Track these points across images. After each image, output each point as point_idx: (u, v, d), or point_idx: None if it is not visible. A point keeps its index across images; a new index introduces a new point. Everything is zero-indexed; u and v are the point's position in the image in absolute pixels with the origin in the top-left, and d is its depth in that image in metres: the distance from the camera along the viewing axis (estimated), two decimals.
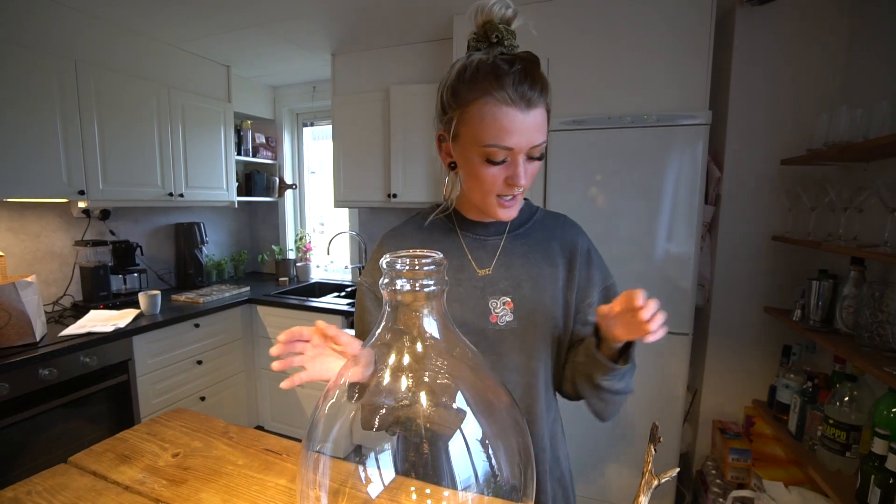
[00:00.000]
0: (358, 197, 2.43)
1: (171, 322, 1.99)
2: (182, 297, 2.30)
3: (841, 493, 1.18)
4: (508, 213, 0.71)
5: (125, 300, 2.15)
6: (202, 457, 0.75)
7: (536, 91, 0.62)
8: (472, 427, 0.48)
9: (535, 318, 0.73)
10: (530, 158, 0.66)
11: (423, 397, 0.49)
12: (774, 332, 1.75)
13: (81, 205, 1.97)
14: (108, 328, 1.75)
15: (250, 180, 2.98)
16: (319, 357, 0.62)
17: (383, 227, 2.67)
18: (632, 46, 1.64)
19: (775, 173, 1.70)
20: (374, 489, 0.52)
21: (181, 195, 2.28)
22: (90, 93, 1.87)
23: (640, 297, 0.53)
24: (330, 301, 2.41)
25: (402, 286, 0.46)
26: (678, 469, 0.56)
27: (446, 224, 0.80)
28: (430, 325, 0.48)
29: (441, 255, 0.47)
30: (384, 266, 0.47)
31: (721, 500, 1.64)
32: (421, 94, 2.18)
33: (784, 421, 1.55)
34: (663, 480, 0.54)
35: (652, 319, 0.54)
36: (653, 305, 0.54)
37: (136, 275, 2.27)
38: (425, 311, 0.48)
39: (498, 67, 0.62)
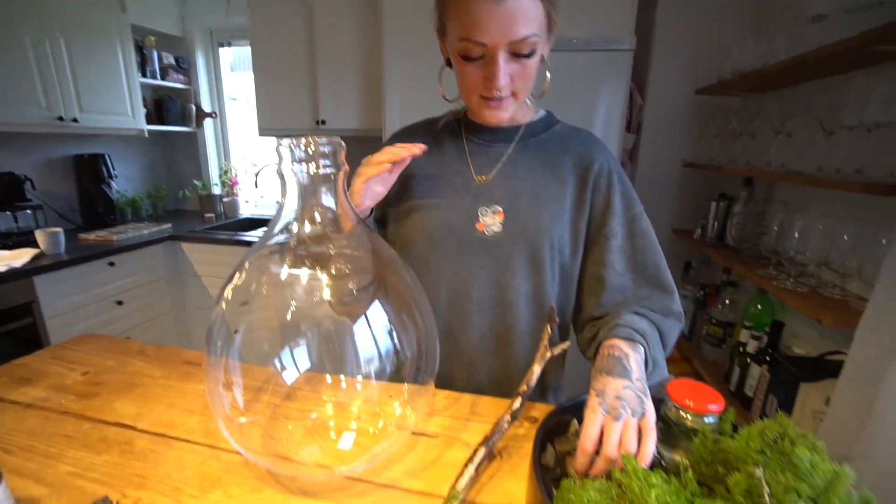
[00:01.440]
0: (284, 124, 2.27)
1: (81, 261, 1.83)
2: (92, 236, 2.11)
3: (714, 377, 1.41)
4: (496, 116, 0.65)
5: (19, 240, 1.93)
6: (116, 373, 0.73)
7: None
8: (372, 309, 0.51)
9: (527, 233, 0.67)
10: (516, 56, 0.58)
11: (323, 283, 0.51)
12: (680, 251, 1.95)
13: None
14: (1, 268, 1.59)
15: (162, 107, 2.67)
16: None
17: None
18: None
19: (691, 102, 1.81)
20: (290, 376, 0.54)
21: (75, 120, 2.00)
22: None
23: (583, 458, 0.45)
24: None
25: (300, 166, 0.46)
26: (569, 343, 0.64)
27: (455, 128, 0.75)
28: (329, 203, 0.49)
29: (339, 139, 0.47)
30: (281, 147, 0.46)
31: None
32: (349, 7, 2.00)
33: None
34: (556, 352, 0.61)
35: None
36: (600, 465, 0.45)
37: (29, 212, 2.02)
38: (323, 190, 0.48)
39: None
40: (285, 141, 0.46)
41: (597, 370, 0.53)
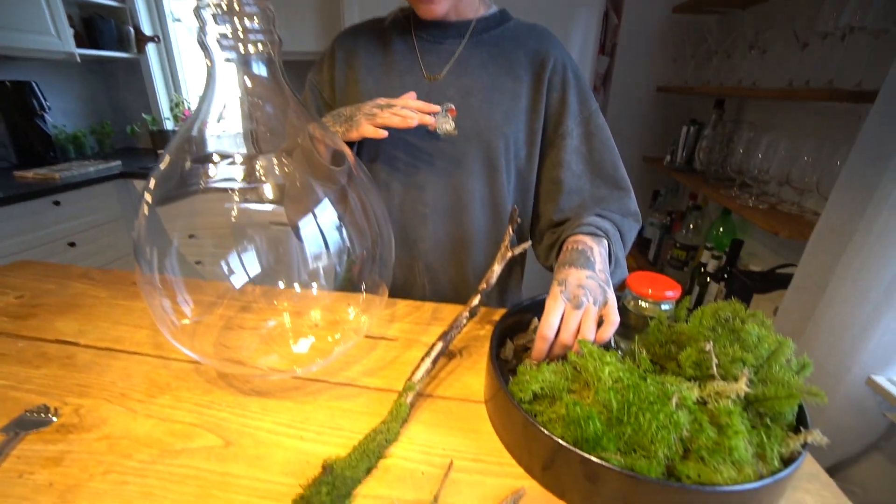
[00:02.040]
0: None
1: (19, 199, 1.69)
2: (30, 174, 1.93)
3: None
4: (430, 10, 0.61)
5: None
6: (55, 296, 0.69)
7: None
8: (321, 206, 0.47)
9: (481, 133, 0.65)
10: None
11: (266, 183, 0.47)
12: (650, 179, 1.96)
13: None
14: None
15: (92, 27, 2.37)
16: None
17: None
18: None
19: (668, 22, 1.73)
20: (239, 281, 0.51)
21: None
22: None
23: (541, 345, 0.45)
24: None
25: (224, 34, 0.40)
26: (529, 243, 0.63)
27: (404, 24, 0.70)
28: (260, 71, 0.43)
29: (267, 3, 0.41)
30: (198, 12, 0.39)
31: None
32: None
33: (646, 253, 1.83)
34: (517, 252, 0.60)
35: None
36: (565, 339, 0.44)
37: None
38: (256, 69, 0.43)
39: None
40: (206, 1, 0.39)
41: (560, 263, 0.53)
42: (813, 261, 0.93)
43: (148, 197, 0.44)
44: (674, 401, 0.36)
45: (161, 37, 2.63)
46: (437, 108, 0.62)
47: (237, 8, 0.39)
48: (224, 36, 0.40)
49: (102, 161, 2.23)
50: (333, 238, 0.48)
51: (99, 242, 2.06)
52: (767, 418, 0.38)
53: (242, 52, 0.41)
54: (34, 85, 2.12)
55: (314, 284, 0.58)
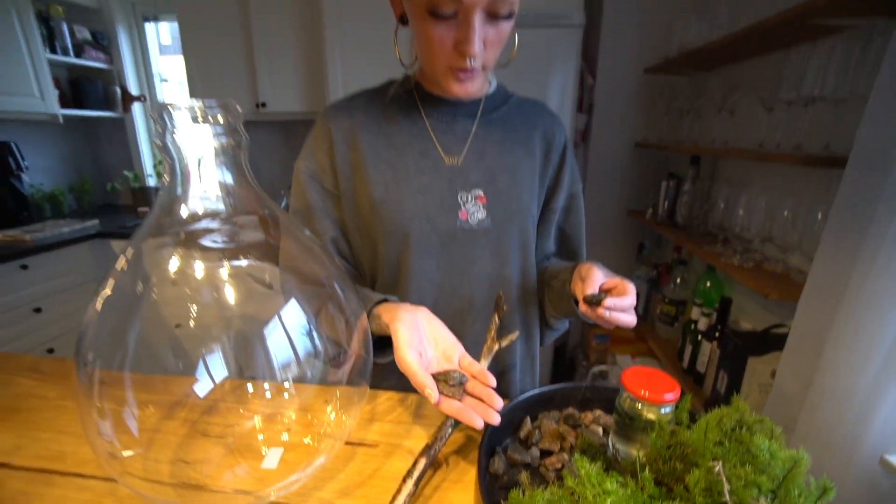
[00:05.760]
0: None
1: None
2: None
3: (668, 355, 1.43)
4: (464, 89, 0.56)
5: None
6: None
7: None
8: (287, 308, 0.44)
9: (512, 215, 0.64)
10: (493, 17, 0.50)
11: (226, 282, 0.43)
12: (634, 231, 1.98)
13: None
14: None
15: (79, 89, 2.39)
16: None
17: (256, 142, 2.37)
18: None
19: (640, 82, 1.81)
20: (203, 388, 0.46)
21: None
22: None
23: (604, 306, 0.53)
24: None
25: (189, 138, 0.38)
26: (518, 333, 0.59)
27: (408, 100, 0.65)
28: (226, 178, 0.41)
29: (232, 101, 0.39)
30: (163, 115, 0.37)
31: (585, 377, 1.92)
32: None
33: (636, 306, 1.81)
34: (504, 344, 0.57)
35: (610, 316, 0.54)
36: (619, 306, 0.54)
37: None
38: (220, 164, 0.40)
39: None
40: (171, 104, 0.37)
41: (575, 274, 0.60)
42: (805, 322, 0.91)
43: (107, 290, 0.40)
44: None
45: (147, 96, 2.66)
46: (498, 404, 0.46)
47: (202, 112, 0.37)
48: (189, 139, 0.38)
49: (78, 220, 2.17)
50: (303, 344, 0.43)
51: (68, 306, 1.97)
52: None
53: (209, 150, 0.39)
54: (13, 145, 2.10)
55: (288, 380, 0.53)
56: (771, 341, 1.05)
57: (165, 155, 0.39)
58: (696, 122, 1.53)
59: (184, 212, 0.42)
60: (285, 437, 0.53)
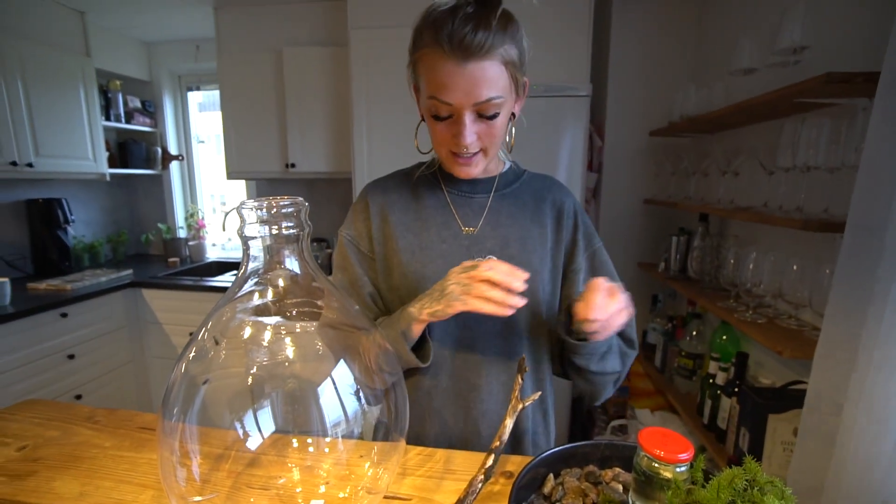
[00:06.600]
0: (253, 167, 2.26)
1: (26, 314, 1.72)
2: (42, 285, 1.99)
3: (688, 410, 1.42)
4: (466, 171, 0.68)
5: None
6: (57, 445, 0.68)
7: (481, 40, 0.56)
8: (338, 371, 0.49)
9: None
10: (482, 117, 0.61)
11: (289, 346, 0.50)
12: (646, 284, 2.01)
13: None
14: None
15: (126, 150, 2.62)
16: None
17: None
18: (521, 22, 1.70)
19: (646, 143, 1.92)
20: (254, 443, 0.51)
21: (30, 165, 1.93)
22: None
23: (594, 307, 0.57)
24: (231, 279, 2.25)
25: (262, 230, 0.45)
26: (539, 393, 0.63)
27: (432, 180, 0.76)
28: (293, 266, 0.48)
29: (301, 199, 0.47)
30: (241, 211, 0.45)
31: (604, 430, 1.89)
32: (317, 58, 2.06)
33: (652, 359, 1.81)
34: (527, 404, 0.61)
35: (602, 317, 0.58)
36: (607, 307, 0.58)
37: None
38: (286, 253, 0.48)
39: (444, 12, 0.57)
40: (248, 203, 0.45)
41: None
42: (821, 380, 0.92)
43: (190, 355, 0.46)
44: None
45: (184, 155, 2.88)
46: (524, 273, 0.59)
47: (276, 209, 0.45)
48: (262, 230, 0.45)
49: (114, 270, 2.30)
50: (351, 402, 0.49)
51: (99, 353, 2.05)
52: None
53: (277, 241, 0.46)
54: (64, 201, 2.27)
55: (328, 438, 0.58)
56: (790, 398, 1.06)
57: (243, 243, 0.47)
58: (703, 182, 1.61)
59: (253, 286, 0.49)
60: (323, 489, 0.57)
